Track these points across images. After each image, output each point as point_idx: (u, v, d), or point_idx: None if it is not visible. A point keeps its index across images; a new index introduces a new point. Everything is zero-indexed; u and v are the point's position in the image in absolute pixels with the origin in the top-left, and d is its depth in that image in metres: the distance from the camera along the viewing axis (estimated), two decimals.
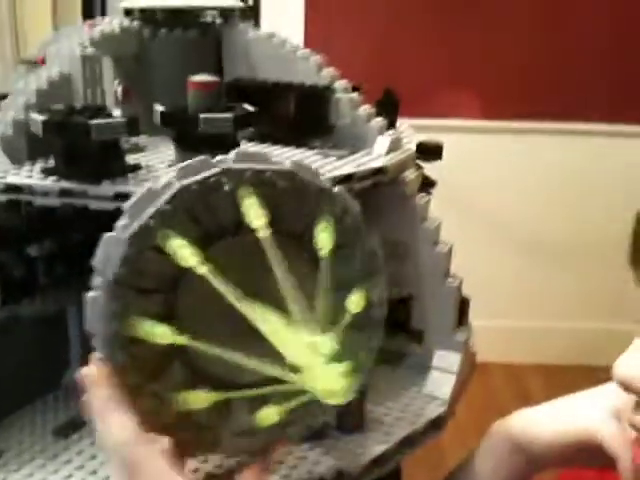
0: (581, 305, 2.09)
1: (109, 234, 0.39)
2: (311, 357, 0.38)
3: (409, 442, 0.59)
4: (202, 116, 0.54)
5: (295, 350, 0.39)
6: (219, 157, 0.40)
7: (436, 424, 0.62)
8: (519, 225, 2.06)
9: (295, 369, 0.39)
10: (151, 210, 0.38)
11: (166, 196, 0.38)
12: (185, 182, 0.38)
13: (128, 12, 0.70)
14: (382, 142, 0.65)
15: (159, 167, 0.58)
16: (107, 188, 0.52)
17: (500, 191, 2.02)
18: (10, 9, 2.22)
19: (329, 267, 0.42)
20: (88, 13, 2.14)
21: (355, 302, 0.42)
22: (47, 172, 0.54)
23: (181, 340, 0.39)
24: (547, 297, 2.10)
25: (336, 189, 0.42)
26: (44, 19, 2.23)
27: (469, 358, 0.68)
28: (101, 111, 0.55)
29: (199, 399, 0.40)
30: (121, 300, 0.38)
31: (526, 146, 2.00)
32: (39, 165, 0.56)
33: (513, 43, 1.93)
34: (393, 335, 0.72)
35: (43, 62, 0.69)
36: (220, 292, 0.39)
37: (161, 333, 0.38)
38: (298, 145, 0.66)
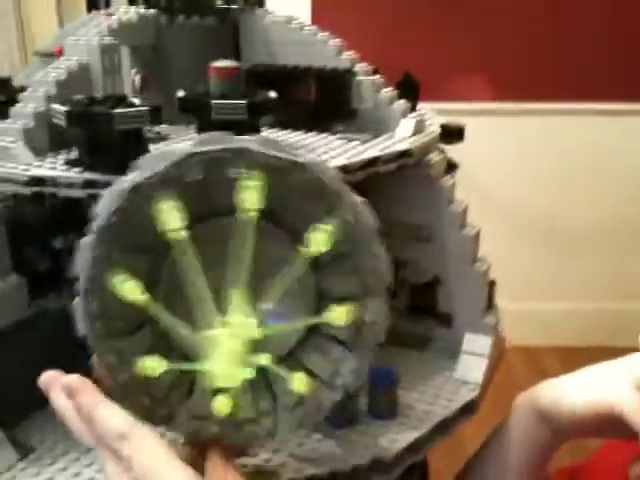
0: (597, 287, 2.08)
1: (114, 187, 0.39)
2: (228, 338, 0.39)
3: (443, 428, 0.58)
4: (214, 102, 0.53)
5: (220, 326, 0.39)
6: (241, 137, 0.39)
7: (469, 409, 0.61)
8: (535, 207, 2.04)
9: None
10: (154, 170, 0.37)
11: (171, 160, 0.37)
12: (192, 151, 0.38)
13: (132, 0, 0.69)
14: (406, 125, 0.64)
15: None
16: None
17: (515, 173, 2.01)
18: (15, 2, 2.21)
19: (310, 268, 0.40)
20: (92, 4, 2.13)
21: (339, 315, 0.40)
22: (71, 163, 0.54)
23: (149, 306, 0.38)
24: (563, 279, 2.09)
25: (354, 196, 0.40)
26: (49, 11, 2.22)
27: (499, 341, 0.67)
28: (122, 101, 0.55)
29: (153, 366, 0.39)
30: (106, 247, 0.38)
31: (540, 127, 1.98)
32: (62, 157, 0.56)
33: (524, 23, 1.91)
34: (418, 319, 0.71)
35: (60, 54, 0.68)
36: (186, 265, 0.38)
37: (131, 290, 0.38)
38: (320, 130, 0.65)
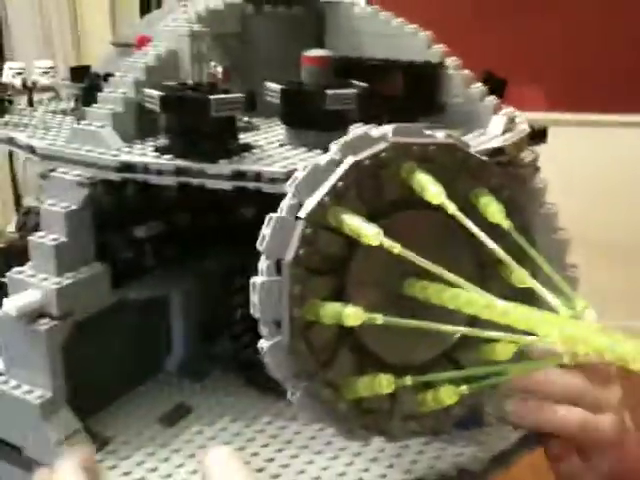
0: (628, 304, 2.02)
1: (277, 215, 0.37)
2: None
3: (532, 437, 0.55)
4: (329, 92, 0.51)
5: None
6: (379, 131, 0.38)
7: None
8: (584, 219, 1.99)
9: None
10: (326, 187, 0.36)
11: (340, 172, 0.37)
12: (358, 157, 0.37)
13: None
14: (497, 121, 0.61)
15: (269, 147, 0.56)
16: (225, 167, 0.50)
17: (570, 186, 1.96)
18: (69, 1, 2.26)
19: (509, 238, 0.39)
20: (145, 7, 2.17)
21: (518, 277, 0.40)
22: (160, 150, 0.52)
23: (371, 320, 0.36)
24: (594, 296, 2.03)
25: (491, 162, 0.41)
26: (102, 11, 2.26)
27: None
28: (214, 87, 0.53)
29: (384, 384, 0.38)
30: (301, 283, 0.37)
31: (591, 139, 1.93)
32: (150, 143, 0.55)
33: (575, 32, 1.87)
34: None
35: (142, 43, 0.67)
36: (411, 261, 0.36)
37: (353, 314, 0.36)
38: None
